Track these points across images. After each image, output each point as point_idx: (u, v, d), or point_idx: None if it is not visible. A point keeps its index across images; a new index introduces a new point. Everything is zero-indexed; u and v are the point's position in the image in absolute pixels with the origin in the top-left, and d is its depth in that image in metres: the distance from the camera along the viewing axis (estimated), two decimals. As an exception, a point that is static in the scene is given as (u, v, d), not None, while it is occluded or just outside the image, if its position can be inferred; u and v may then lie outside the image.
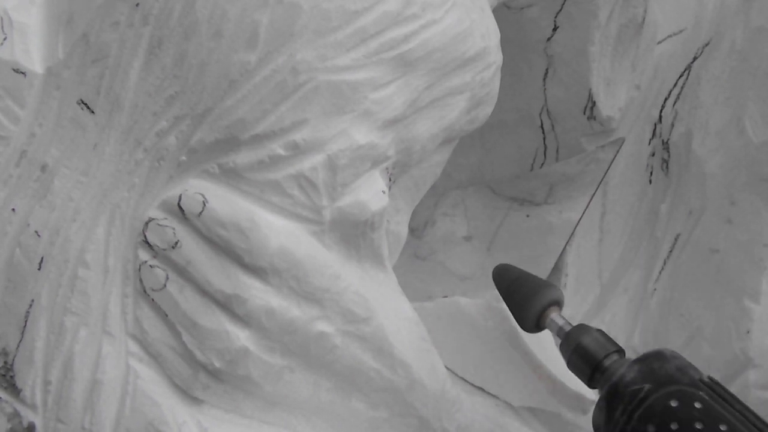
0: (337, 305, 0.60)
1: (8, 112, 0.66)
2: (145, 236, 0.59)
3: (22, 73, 0.66)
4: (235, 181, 0.58)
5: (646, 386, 0.56)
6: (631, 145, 0.95)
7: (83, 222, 0.62)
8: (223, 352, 0.57)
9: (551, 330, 0.70)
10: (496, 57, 0.68)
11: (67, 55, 0.65)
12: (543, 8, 0.92)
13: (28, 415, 0.61)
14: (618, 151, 0.96)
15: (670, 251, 0.81)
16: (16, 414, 0.61)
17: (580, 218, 0.98)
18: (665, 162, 0.86)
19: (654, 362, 0.58)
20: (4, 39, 0.67)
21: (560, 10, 0.92)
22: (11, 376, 0.62)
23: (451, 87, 0.64)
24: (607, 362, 0.62)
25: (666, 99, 0.91)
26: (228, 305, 0.57)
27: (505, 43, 0.72)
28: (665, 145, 0.87)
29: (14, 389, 0.62)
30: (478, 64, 0.66)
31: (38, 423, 0.61)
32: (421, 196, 0.73)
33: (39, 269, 0.62)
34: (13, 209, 0.65)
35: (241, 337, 0.57)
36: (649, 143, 0.91)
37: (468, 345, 0.79)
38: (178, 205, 0.58)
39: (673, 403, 0.54)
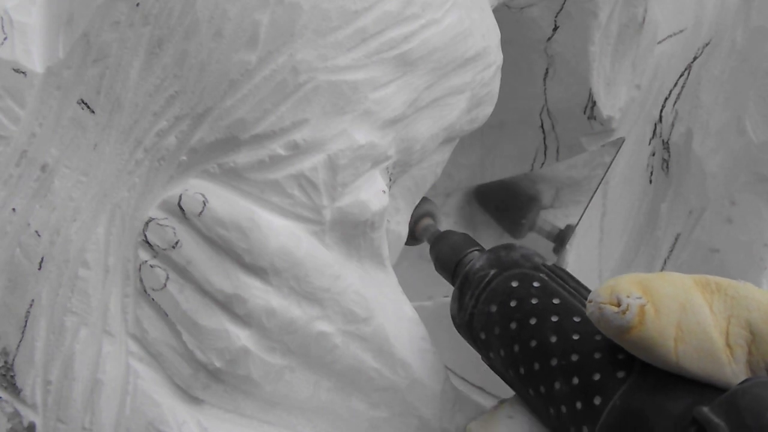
0: (338, 305, 0.60)
1: (8, 112, 0.66)
2: (145, 236, 0.59)
3: (23, 72, 0.66)
4: (236, 181, 0.58)
5: (492, 271, 0.60)
6: (631, 145, 0.95)
7: (83, 222, 0.62)
8: (223, 351, 0.57)
9: (424, 238, 0.75)
10: (497, 57, 0.68)
11: (68, 54, 0.65)
12: (543, 8, 0.92)
13: (28, 415, 0.61)
14: (618, 151, 0.96)
15: (671, 251, 0.81)
16: (16, 414, 0.62)
17: (580, 218, 0.98)
18: (665, 162, 0.86)
19: (501, 251, 0.62)
20: (5, 39, 0.67)
21: (560, 10, 0.92)
22: (11, 376, 0.62)
23: (451, 87, 0.64)
24: (466, 259, 0.65)
25: (666, 99, 0.91)
26: (228, 305, 0.57)
27: (505, 43, 0.72)
28: (665, 144, 0.87)
29: (14, 389, 0.62)
30: (479, 64, 0.66)
31: (38, 423, 0.61)
32: (422, 196, 0.73)
33: (39, 269, 0.62)
34: (14, 209, 0.65)
35: (242, 336, 0.57)
36: (650, 143, 0.91)
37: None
38: (179, 204, 0.58)
39: (514, 284, 0.57)
